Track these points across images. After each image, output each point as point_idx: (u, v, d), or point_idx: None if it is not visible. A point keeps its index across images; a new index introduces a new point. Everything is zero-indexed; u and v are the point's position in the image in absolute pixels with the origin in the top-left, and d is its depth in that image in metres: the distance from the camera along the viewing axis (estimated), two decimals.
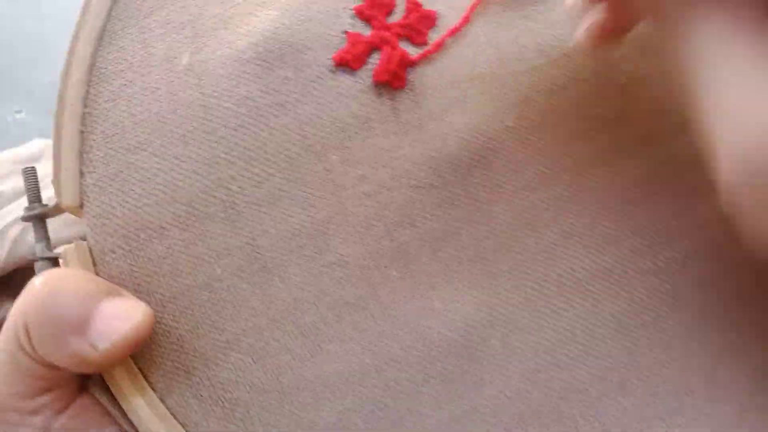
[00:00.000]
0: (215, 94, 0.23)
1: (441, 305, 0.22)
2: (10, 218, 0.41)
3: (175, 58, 0.23)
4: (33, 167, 0.23)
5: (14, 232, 0.41)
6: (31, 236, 0.24)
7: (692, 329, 0.23)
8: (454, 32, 0.23)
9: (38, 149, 0.47)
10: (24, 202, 0.42)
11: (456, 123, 0.23)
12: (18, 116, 0.68)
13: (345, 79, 0.23)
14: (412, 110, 0.23)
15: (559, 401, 0.22)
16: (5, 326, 0.20)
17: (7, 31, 0.76)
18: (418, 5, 0.24)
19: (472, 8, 0.23)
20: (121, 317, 0.20)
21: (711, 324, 0.23)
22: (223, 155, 0.22)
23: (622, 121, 0.24)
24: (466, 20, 0.23)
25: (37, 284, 0.20)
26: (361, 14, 0.24)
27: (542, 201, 0.23)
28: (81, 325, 0.19)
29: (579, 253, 0.23)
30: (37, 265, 0.22)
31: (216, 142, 0.22)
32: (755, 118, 0.16)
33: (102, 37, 0.23)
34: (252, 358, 0.22)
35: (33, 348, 0.19)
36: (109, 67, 0.23)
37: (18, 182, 0.40)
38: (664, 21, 0.18)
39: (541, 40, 0.24)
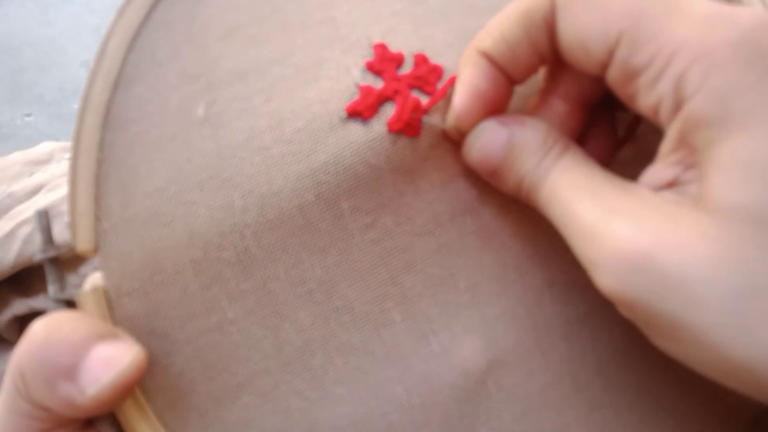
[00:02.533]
0: (231, 144, 0.23)
1: (440, 349, 0.23)
2: (20, 218, 0.41)
3: (191, 109, 0.24)
4: (45, 211, 0.24)
5: (24, 231, 0.41)
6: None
7: (664, 372, 0.24)
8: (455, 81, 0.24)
9: (47, 152, 0.47)
10: (34, 201, 0.42)
11: (453, 171, 0.24)
12: (27, 119, 0.69)
13: (357, 129, 0.24)
14: (417, 158, 0.24)
15: None
16: (8, 369, 0.21)
17: (16, 37, 0.77)
18: (426, 59, 0.25)
19: None
20: (109, 362, 0.20)
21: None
22: (238, 201, 0.23)
23: None
24: None
25: (33, 330, 0.20)
26: (372, 68, 0.25)
27: (527, 250, 0.24)
28: (71, 371, 0.20)
29: (564, 299, 0.24)
30: (50, 306, 0.23)
31: (232, 188, 0.23)
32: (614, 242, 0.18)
33: (118, 83, 0.24)
34: (263, 401, 0.22)
35: (28, 392, 0.20)
36: (125, 114, 0.24)
37: (28, 183, 0.40)
38: None
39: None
